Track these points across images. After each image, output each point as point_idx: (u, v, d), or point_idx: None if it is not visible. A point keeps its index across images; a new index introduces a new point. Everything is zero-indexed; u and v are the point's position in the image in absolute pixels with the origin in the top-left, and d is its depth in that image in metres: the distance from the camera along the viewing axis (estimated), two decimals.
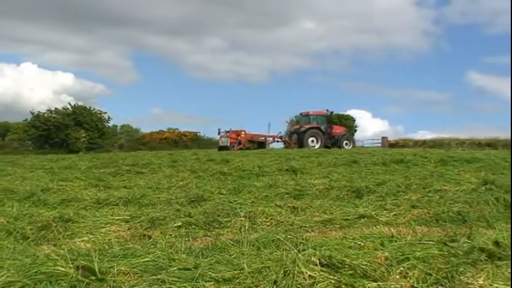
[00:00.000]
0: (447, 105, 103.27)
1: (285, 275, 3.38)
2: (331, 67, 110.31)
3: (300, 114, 41.97)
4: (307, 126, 37.91)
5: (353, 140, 40.70)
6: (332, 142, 37.93)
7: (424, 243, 4.21)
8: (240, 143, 35.98)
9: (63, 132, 50.99)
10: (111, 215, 6.66)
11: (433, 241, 4.31)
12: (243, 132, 37.11)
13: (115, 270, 3.61)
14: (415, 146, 43.52)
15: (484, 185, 7.82)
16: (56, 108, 53.90)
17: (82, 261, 3.62)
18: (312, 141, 37.10)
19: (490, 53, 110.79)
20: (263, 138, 39.03)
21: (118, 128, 74.20)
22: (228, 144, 35.50)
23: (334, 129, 39.36)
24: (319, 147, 35.89)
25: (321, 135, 37.53)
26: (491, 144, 41.07)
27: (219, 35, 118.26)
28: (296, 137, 38.10)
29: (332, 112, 40.41)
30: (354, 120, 57.71)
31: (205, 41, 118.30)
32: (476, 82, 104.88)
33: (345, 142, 38.44)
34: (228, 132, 37.17)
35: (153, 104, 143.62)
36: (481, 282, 3.38)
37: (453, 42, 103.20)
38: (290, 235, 4.85)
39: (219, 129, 38.23)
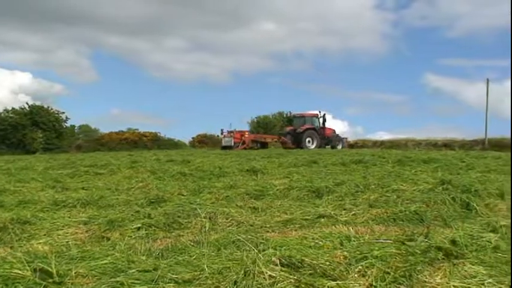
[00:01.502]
0: (405, 106, 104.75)
1: (245, 275, 3.39)
2: (293, 68, 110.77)
3: (293, 115, 43.73)
4: (304, 127, 39.14)
5: (342, 140, 41.96)
6: (325, 142, 39.58)
7: (382, 242, 4.27)
8: (244, 143, 37.45)
9: (20, 133, 49.98)
10: (69, 217, 6.56)
11: (391, 240, 4.38)
12: (246, 133, 39.17)
13: (73, 272, 3.57)
14: (373, 146, 44.16)
15: (440, 184, 7.97)
16: (12, 108, 52.87)
17: (39, 264, 3.56)
18: (309, 141, 38.72)
19: (447, 55, 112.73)
20: (264, 138, 40.68)
21: (76, 128, 72.99)
22: (232, 144, 36.78)
23: (326, 130, 40.64)
24: (315, 147, 37.64)
25: (317, 136, 39.10)
26: (447, 144, 41.89)
27: (180, 35, 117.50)
28: (290, 137, 39.39)
29: (324, 114, 41.49)
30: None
31: (166, 41, 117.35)
32: (433, 84, 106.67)
33: (336, 142, 40.17)
34: (232, 132, 38.47)
35: (112, 104, 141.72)
36: (438, 280, 3.44)
37: (411, 44, 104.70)
38: (250, 235, 4.85)
39: (221, 130, 39.83)
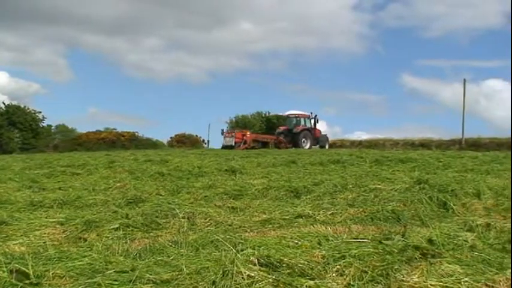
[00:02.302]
0: (382, 106, 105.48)
1: (223, 275, 3.38)
2: (271, 68, 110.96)
3: (287, 115, 44.52)
4: (301, 127, 40.39)
5: (328, 140, 43.33)
6: (315, 142, 40.65)
7: (359, 242, 4.30)
8: (245, 143, 37.83)
9: None
10: (46, 217, 6.48)
11: (368, 239, 4.41)
12: (248, 133, 39.67)
13: (50, 273, 3.54)
14: (351, 146, 44.52)
15: (417, 184, 8.03)
16: None
17: (16, 265, 3.52)
18: (304, 141, 39.66)
19: (423, 56, 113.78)
20: (266, 138, 41.13)
21: (53, 128, 72.26)
22: (234, 144, 37.26)
23: (316, 131, 41.94)
24: (309, 147, 38.66)
25: (310, 136, 40.32)
26: (424, 144, 42.27)
27: (157, 35, 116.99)
28: (284, 137, 40.41)
29: (316, 115, 42.35)
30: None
31: (144, 40, 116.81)
32: (410, 84, 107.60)
33: (324, 142, 41.77)
34: (233, 132, 39.74)
35: (90, 104, 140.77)
36: (415, 279, 3.47)
37: (388, 45, 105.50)
38: (229, 235, 4.85)
39: (222, 130, 41.35)
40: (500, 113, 76.82)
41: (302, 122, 41.51)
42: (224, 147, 37.79)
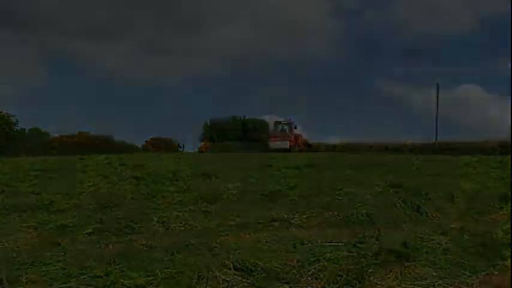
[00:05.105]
0: (356, 111, 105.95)
1: (199, 280, 3.38)
2: (247, 73, 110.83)
3: (279, 122, 46.95)
4: (297, 133, 44.39)
5: None
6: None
7: (334, 245, 4.32)
8: (299, 146, 42.37)
9: None
10: (19, 222, 6.41)
11: (343, 243, 4.43)
12: (299, 137, 44.05)
13: (23, 278, 3.50)
14: (326, 150, 44.93)
15: (391, 187, 8.10)
16: None
17: None
18: (298, 145, 43.52)
19: (396, 61, 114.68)
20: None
21: (26, 131, 71.25)
22: (288, 147, 40.48)
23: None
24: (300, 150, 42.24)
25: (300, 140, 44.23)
26: (398, 148, 42.56)
27: (132, 39, 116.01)
28: None
29: (293, 121, 45.94)
30: (269, 125, 58.56)
31: (119, 44, 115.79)
32: (384, 89, 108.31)
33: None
34: (286, 136, 43.17)
35: (63, 107, 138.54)
36: (390, 282, 3.50)
37: (362, 50, 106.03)
38: (204, 239, 4.84)
39: (268, 134, 45.97)
40: (472, 118, 77.86)
41: (288, 128, 44.34)
42: (275, 149, 39.19)
